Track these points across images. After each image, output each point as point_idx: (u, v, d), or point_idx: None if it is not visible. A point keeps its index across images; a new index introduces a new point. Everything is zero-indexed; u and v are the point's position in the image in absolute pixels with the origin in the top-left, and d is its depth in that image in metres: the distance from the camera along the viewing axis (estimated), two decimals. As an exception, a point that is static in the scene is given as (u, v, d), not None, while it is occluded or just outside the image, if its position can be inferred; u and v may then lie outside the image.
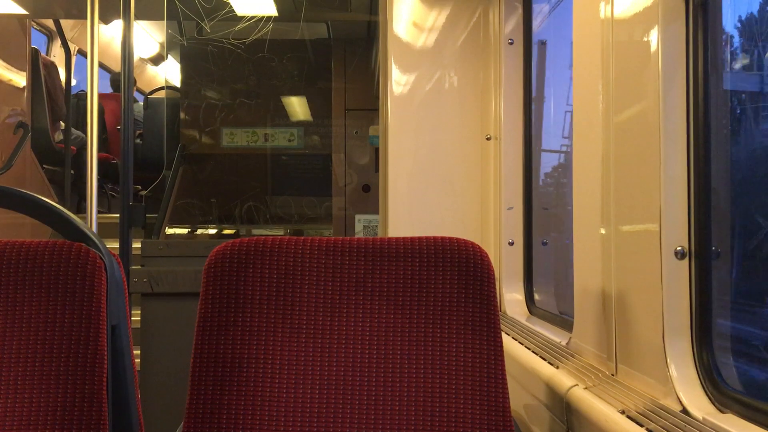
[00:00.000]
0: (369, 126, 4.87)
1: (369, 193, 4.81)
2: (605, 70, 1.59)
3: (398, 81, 2.89)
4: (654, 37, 1.40)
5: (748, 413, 1.21)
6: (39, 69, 5.39)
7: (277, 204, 5.03)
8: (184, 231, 4.94)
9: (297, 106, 5.19)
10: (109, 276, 1.34)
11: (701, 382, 1.34)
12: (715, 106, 1.38)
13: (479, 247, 1.49)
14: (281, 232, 5.05)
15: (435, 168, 2.86)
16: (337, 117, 4.99)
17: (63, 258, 1.34)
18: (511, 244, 2.66)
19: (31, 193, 1.35)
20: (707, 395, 1.32)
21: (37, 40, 6.43)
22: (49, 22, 6.28)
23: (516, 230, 2.66)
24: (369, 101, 4.57)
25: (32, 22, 5.62)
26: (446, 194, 2.85)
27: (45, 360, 1.31)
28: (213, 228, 5.02)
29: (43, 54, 5.81)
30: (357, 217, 4.11)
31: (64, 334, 1.31)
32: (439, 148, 2.86)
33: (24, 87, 5.17)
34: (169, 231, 4.70)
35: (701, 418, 1.25)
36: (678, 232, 1.37)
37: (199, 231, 4.97)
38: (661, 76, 1.38)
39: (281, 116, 5.08)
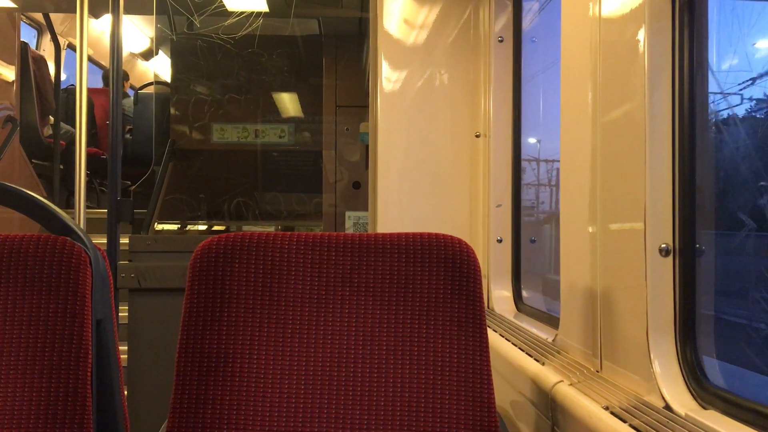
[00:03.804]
0: (360, 123, 4.87)
1: (359, 190, 4.81)
2: (593, 69, 1.60)
3: (388, 78, 2.89)
4: (641, 36, 1.40)
5: (730, 410, 1.22)
6: (28, 63, 5.35)
7: (267, 200, 5.02)
8: (174, 227, 4.93)
9: (288, 103, 5.18)
10: (94, 270, 1.34)
11: (684, 379, 1.35)
12: (700, 105, 1.39)
13: (466, 244, 1.49)
14: (272, 229, 5.05)
15: (424, 165, 2.86)
16: (328, 114, 4.98)
17: (48, 252, 1.33)
18: (500, 241, 2.67)
19: (16, 187, 1.34)
20: (690, 392, 1.33)
21: (27, 34, 6.39)
22: (39, 16, 6.24)
23: (504, 227, 2.67)
24: (360, 98, 4.56)
25: (22, 16, 5.58)
26: (435, 191, 2.86)
27: (29, 354, 1.30)
28: (203, 224, 5.00)
29: (32, 48, 5.78)
30: (347, 213, 4.11)
31: (48, 328, 1.31)
32: (429, 145, 2.86)
33: (13, 81, 5.14)
34: (159, 227, 4.68)
35: (684, 414, 1.26)
36: (662, 230, 1.38)
37: (189, 227, 4.95)
38: (648, 75, 1.39)
39: (272, 112, 5.06)
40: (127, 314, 3.13)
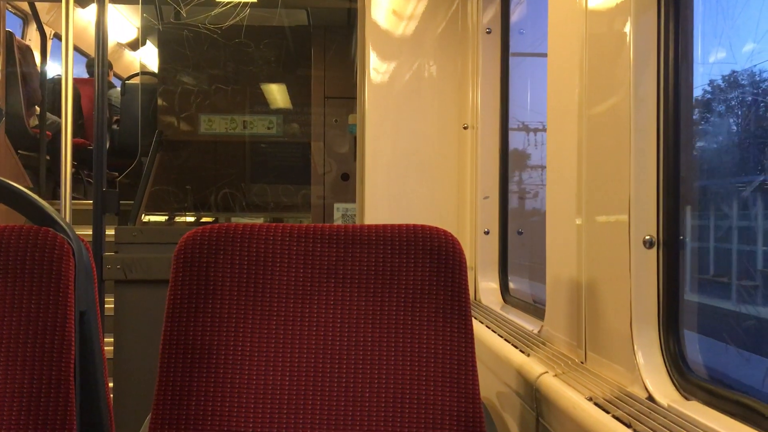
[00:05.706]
0: (348, 114, 4.85)
1: (348, 181, 4.80)
2: (579, 61, 1.60)
3: (377, 69, 2.88)
4: (627, 28, 1.40)
5: (712, 400, 1.23)
6: (14, 53, 5.30)
7: (255, 192, 5.00)
8: (161, 218, 4.90)
9: (276, 94, 5.16)
10: (77, 261, 1.33)
11: (667, 370, 1.35)
12: (685, 98, 1.39)
13: (451, 235, 1.49)
14: (260, 220, 5.03)
15: (412, 157, 2.86)
16: (317, 105, 4.96)
17: (30, 242, 1.32)
18: (487, 233, 2.67)
19: (-2, 177, 1.33)
20: (673, 383, 1.34)
21: (12, 24, 6.33)
22: (25, 5, 6.18)
23: (492, 219, 2.67)
24: (349, 89, 4.54)
25: (7, 5, 5.52)
26: (423, 183, 2.86)
27: (10, 346, 1.29)
28: (191, 215, 4.98)
29: (18, 38, 5.72)
30: (336, 205, 4.10)
31: (30, 319, 1.30)
32: (417, 137, 2.86)
33: (-2, 71, 5.09)
34: (146, 218, 4.65)
35: (666, 405, 1.27)
36: (647, 222, 1.39)
37: (177, 218, 4.93)
38: (633, 67, 1.39)
39: (260, 103, 5.04)
40: (113, 306, 3.12)
